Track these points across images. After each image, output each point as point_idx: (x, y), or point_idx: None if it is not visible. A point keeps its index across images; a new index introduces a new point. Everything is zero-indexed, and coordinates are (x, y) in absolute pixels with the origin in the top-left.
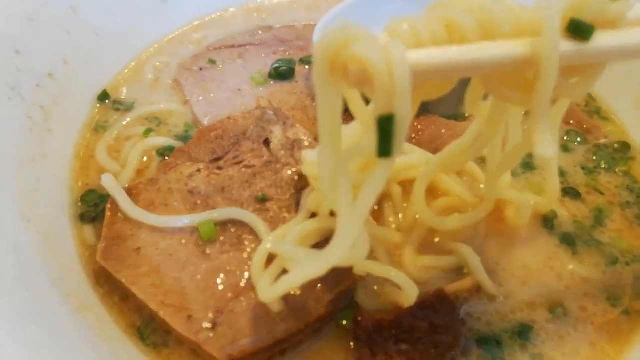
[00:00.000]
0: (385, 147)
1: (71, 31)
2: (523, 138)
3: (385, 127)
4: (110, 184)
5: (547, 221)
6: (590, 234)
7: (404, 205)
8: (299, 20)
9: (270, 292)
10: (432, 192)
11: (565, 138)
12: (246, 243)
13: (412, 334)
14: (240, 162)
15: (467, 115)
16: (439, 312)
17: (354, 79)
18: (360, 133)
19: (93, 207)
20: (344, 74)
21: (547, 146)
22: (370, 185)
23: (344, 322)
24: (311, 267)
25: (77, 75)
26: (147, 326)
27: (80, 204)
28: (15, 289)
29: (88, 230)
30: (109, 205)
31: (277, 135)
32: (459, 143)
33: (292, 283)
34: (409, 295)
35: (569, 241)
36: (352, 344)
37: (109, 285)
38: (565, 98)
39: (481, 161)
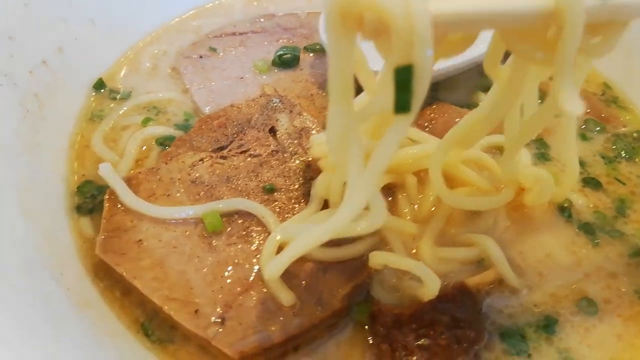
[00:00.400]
0: (402, 101)
1: (67, 19)
2: (549, 98)
3: (404, 79)
4: (109, 174)
5: (564, 210)
6: (613, 225)
7: (419, 196)
8: (300, 9)
9: (273, 264)
10: (450, 182)
11: (583, 127)
12: (254, 235)
13: (433, 329)
14: (246, 152)
15: (479, 103)
16: (460, 306)
17: (370, 28)
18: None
19: (90, 199)
20: (358, 24)
21: (573, 102)
22: (385, 144)
23: (360, 317)
24: (316, 231)
25: (72, 64)
26: (150, 321)
27: (76, 195)
28: (17, 282)
29: (85, 223)
30: (107, 196)
31: (283, 123)
32: (476, 111)
33: (296, 250)
34: (431, 288)
35: (588, 231)
36: (370, 339)
37: (109, 279)
38: (587, 55)
39: (497, 151)
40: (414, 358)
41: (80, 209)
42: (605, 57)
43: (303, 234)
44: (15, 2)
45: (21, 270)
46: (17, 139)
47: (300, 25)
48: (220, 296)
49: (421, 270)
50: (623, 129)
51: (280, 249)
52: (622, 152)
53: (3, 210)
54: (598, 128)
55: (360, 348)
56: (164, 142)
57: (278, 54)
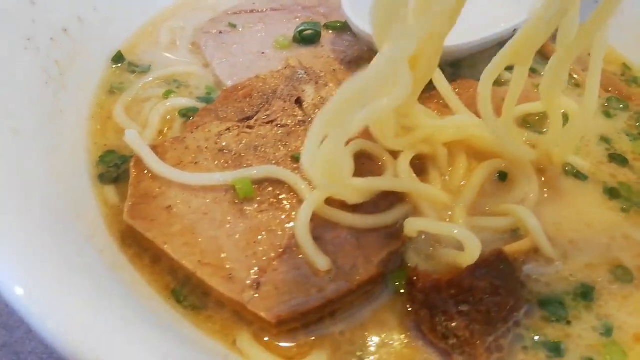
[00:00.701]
0: None
1: None
2: None
3: None
4: (135, 140)
5: (579, 176)
6: None
7: (450, 169)
8: None
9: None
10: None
11: (606, 104)
12: (285, 202)
13: (472, 295)
14: (273, 121)
15: (502, 80)
16: (498, 273)
17: None
18: None
19: (113, 168)
20: None
21: None
22: None
23: (397, 284)
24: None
25: (92, 35)
26: (182, 288)
27: (99, 165)
28: (54, 242)
29: (110, 191)
30: (133, 163)
31: (309, 94)
32: (533, 17)
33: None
34: (472, 252)
35: (614, 195)
36: (408, 306)
37: (137, 247)
38: None
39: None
40: (454, 324)
41: (103, 178)
42: (623, 39)
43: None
44: None
45: (56, 231)
46: (41, 104)
47: (319, 4)
48: (254, 261)
49: (462, 234)
50: None
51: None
52: None
53: (34, 172)
54: (621, 106)
55: (398, 315)
56: (187, 113)
57: (299, 29)
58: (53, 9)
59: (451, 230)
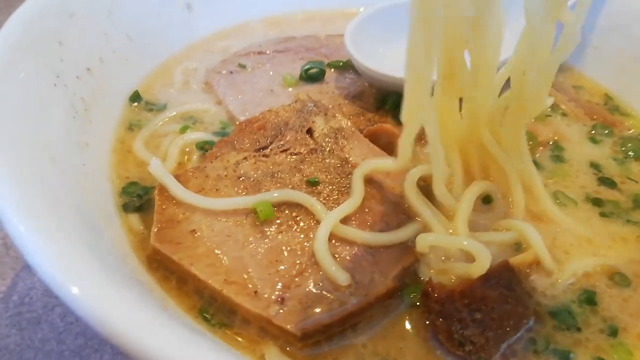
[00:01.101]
0: None
1: (107, 33)
2: None
3: None
4: (159, 170)
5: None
6: (630, 215)
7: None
8: (317, 32)
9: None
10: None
11: (592, 132)
12: (302, 223)
13: (484, 304)
14: (286, 150)
15: None
16: (506, 283)
17: None
18: None
19: (136, 198)
20: None
21: None
22: None
23: (413, 298)
24: None
25: (112, 74)
26: (209, 307)
27: (121, 195)
28: (96, 256)
29: (134, 219)
30: (157, 191)
31: (319, 124)
32: None
33: None
34: (482, 262)
35: (597, 203)
36: (424, 317)
37: (163, 271)
38: None
39: None
40: (469, 331)
41: (127, 207)
42: (604, 71)
43: None
44: (62, 12)
45: (92, 248)
46: (70, 136)
47: (321, 46)
48: (277, 279)
49: (473, 245)
50: (629, 132)
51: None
52: (631, 152)
53: (68, 199)
54: (606, 131)
55: (415, 325)
56: (204, 146)
57: (305, 68)
58: (78, 50)
59: (462, 242)
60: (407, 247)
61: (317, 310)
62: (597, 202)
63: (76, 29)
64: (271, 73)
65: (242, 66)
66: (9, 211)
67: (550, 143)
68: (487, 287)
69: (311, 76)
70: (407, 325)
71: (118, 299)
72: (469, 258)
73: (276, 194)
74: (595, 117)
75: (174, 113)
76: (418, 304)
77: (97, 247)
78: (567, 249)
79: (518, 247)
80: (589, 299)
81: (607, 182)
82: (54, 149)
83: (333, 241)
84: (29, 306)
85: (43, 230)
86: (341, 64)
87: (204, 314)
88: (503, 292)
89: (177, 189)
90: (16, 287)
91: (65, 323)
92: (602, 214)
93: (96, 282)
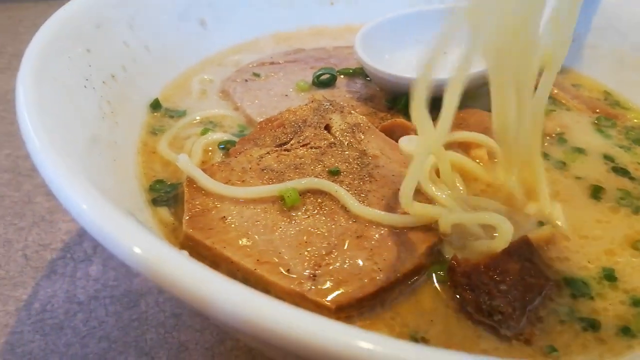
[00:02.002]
0: None
1: (128, 43)
2: None
3: None
4: (187, 163)
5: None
6: None
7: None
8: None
9: None
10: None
11: (596, 122)
12: (327, 209)
13: (508, 276)
14: (306, 144)
15: None
16: (527, 257)
17: None
18: None
19: (164, 194)
20: None
21: None
22: None
23: (439, 273)
24: None
25: (134, 82)
26: None
27: (150, 191)
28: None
29: (164, 211)
30: (186, 183)
31: (336, 121)
32: None
33: None
34: (505, 234)
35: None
36: (452, 291)
37: (196, 257)
38: None
39: None
40: (497, 302)
41: (156, 202)
42: (603, 69)
43: None
44: (90, 22)
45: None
46: (100, 131)
47: (330, 56)
48: (308, 258)
49: (495, 218)
50: (630, 123)
51: None
52: (637, 141)
53: (107, 184)
54: (610, 123)
55: (443, 300)
56: (225, 145)
57: (317, 74)
58: (103, 57)
59: (484, 216)
60: (430, 228)
61: (349, 285)
62: (602, 190)
63: (102, 39)
64: (284, 80)
65: (257, 75)
66: (68, 190)
67: (555, 135)
68: (510, 260)
69: (323, 82)
70: (435, 299)
71: (176, 257)
72: (490, 235)
73: (303, 182)
74: (597, 110)
75: (196, 118)
76: (444, 279)
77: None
78: (586, 233)
79: (540, 224)
80: (609, 276)
81: (621, 171)
82: (89, 141)
83: (359, 223)
84: (51, 313)
85: (101, 207)
86: (351, 71)
87: None
88: (525, 265)
89: (206, 180)
90: (37, 295)
91: (88, 328)
92: (615, 202)
93: (155, 244)
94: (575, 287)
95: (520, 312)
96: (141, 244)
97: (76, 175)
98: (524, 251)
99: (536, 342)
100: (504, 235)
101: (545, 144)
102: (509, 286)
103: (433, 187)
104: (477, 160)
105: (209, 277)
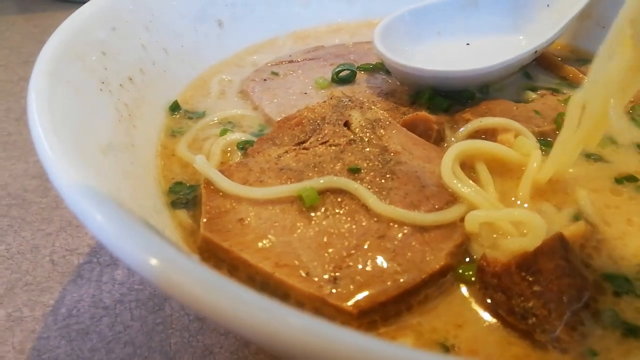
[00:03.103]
0: None
1: (145, 46)
2: None
3: None
4: (204, 165)
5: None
6: None
7: None
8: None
9: None
10: None
11: (630, 111)
12: (347, 208)
13: (542, 276)
14: (325, 142)
15: (529, 100)
16: (562, 255)
17: None
18: None
19: (183, 196)
20: None
21: None
22: None
23: (467, 275)
24: None
25: (152, 84)
26: (261, 292)
27: (169, 194)
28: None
29: (182, 214)
30: (203, 184)
31: (356, 117)
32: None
33: None
34: (537, 231)
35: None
36: (482, 293)
37: (214, 260)
38: None
39: None
40: (531, 303)
41: (175, 204)
42: None
43: None
44: (106, 25)
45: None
46: (116, 135)
47: (349, 53)
48: (328, 260)
49: (525, 215)
50: None
51: None
52: None
53: (122, 189)
54: None
55: (472, 303)
56: (244, 146)
57: (336, 71)
58: (119, 60)
59: (513, 214)
60: (456, 226)
61: (372, 288)
62: (637, 180)
63: (118, 41)
64: (303, 78)
65: (275, 74)
66: (80, 200)
67: None
68: (543, 259)
69: (343, 78)
70: (464, 302)
71: (193, 268)
72: (521, 233)
73: (322, 181)
74: (632, 99)
75: (215, 119)
76: (473, 279)
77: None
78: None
79: (577, 217)
80: None
81: None
82: (104, 145)
83: (381, 221)
84: (77, 318)
85: (114, 215)
86: (371, 66)
87: None
88: (560, 264)
89: (223, 182)
90: (64, 300)
91: (113, 332)
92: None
93: (171, 255)
94: (617, 284)
95: (556, 314)
96: (157, 255)
97: (89, 183)
98: (558, 249)
99: (574, 348)
100: (536, 232)
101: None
102: (543, 287)
103: (458, 183)
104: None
105: (227, 289)
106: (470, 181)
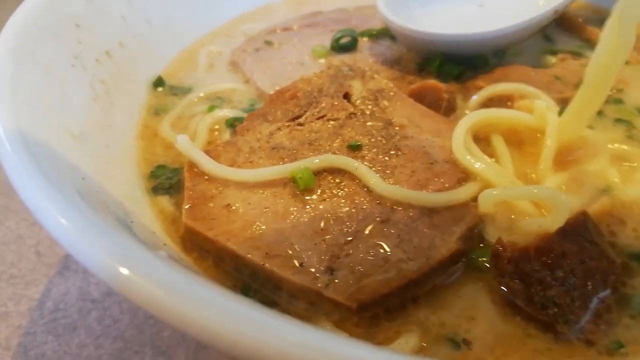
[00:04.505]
0: None
1: (126, 17)
2: None
3: None
4: (187, 145)
5: None
6: None
7: None
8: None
9: None
10: None
11: None
12: (346, 189)
13: (565, 260)
14: (323, 117)
15: (549, 64)
16: (586, 235)
17: None
18: None
19: (165, 180)
20: None
21: None
22: None
23: (480, 260)
24: None
25: (133, 59)
26: (251, 285)
27: (150, 179)
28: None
29: (164, 201)
30: (186, 167)
31: (357, 88)
32: None
33: None
34: (561, 211)
35: None
36: (497, 280)
37: (199, 251)
38: None
39: None
40: (552, 291)
41: (156, 190)
42: None
43: None
44: None
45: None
46: (90, 116)
47: (350, 18)
48: (325, 248)
49: (546, 193)
50: None
51: None
52: None
53: (94, 176)
54: None
55: (487, 292)
56: (233, 123)
57: (336, 37)
58: (96, 33)
59: (532, 191)
60: (469, 206)
61: (373, 279)
62: None
63: (94, 12)
64: (300, 47)
65: (269, 43)
66: (38, 195)
67: (612, 91)
68: (567, 241)
69: (343, 46)
70: (477, 292)
71: (166, 276)
72: (542, 214)
73: (317, 160)
74: None
75: (201, 94)
76: (488, 266)
77: (130, 228)
78: None
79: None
80: None
81: None
82: (74, 127)
83: (384, 204)
84: (64, 312)
85: (81, 219)
86: (374, 32)
87: (246, 293)
88: (585, 246)
89: (207, 164)
90: (50, 293)
91: (102, 326)
92: None
93: (143, 262)
94: None
95: (580, 302)
96: (128, 263)
97: (51, 174)
98: (582, 229)
99: (600, 340)
100: (560, 211)
101: None
102: (566, 272)
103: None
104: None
105: (210, 302)
106: (485, 156)
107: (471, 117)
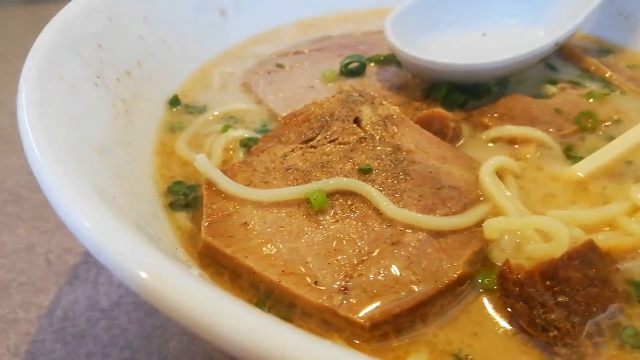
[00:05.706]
0: None
1: (144, 37)
2: None
3: None
4: (205, 164)
5: None
6: None
7: None
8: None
9: None
10: None
11: None
12: (358, 212)
13: (568, 286)
14: (334, 140)
15: (548, 94)
16: (592, 264)
17: None
18: None
19: (182, 197)
20: None
21: None
22: None
23: (487, 282)
24: None
25: (151, 78)
26: (266, 301)
27: (167, 195)
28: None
29: (182, 217)
30: (205, 185)
31: (367, 113)
32: None
33: None
34: (561, 239)
35: None
36: (502, 301)
37: (215, 267)
38: None
39: None
40: (554, 315)
41: (174, 206)
42: None
43: None
44: (100, 15)
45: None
46: (112, 133)
47: (358, 43)
48: (338, 268)
49: (546, 222)
50: None
51: None
52: None
53: (117, 189)
54: None
55: (491, 312)
56: (247, 143)
57: (344, 62)
58: (116, 53)
59: (534, 221)
60: (475, 231)
61: (385, 299)
62: None
63: (114, 33)
64: (310, 71)
65: (280, 66)
66: (68, 204)
67: (610, 122)
68: (571, 267)
69: (352, 70)
70: (482, 312)
71: (185, 282)
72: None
73: (331, 182)
74: None
75: (215, 113)
76: (494, 288)
77: (151, 239)
78: None
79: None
80: None
81: None
82: (99, 144)
83: (394, 227)
84: (73, 320)
85: (104, 222)
86: (382, 58)
87: (262, 308)
88: (588, 274)
89: (225, 183)
90: (59, 301)
91: (110, 336)
92: None
93: (163, 267)
94: None
95: (580, 329)
96: (148, 267)
97: (78, 184)
98: (588, 257)
99: None
100: (560, 240)
101: (600, 133)
102: (569, 297)
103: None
104: (527, 156)
105: (225, 308)
106: (503, 188)
107: (497, 161)
